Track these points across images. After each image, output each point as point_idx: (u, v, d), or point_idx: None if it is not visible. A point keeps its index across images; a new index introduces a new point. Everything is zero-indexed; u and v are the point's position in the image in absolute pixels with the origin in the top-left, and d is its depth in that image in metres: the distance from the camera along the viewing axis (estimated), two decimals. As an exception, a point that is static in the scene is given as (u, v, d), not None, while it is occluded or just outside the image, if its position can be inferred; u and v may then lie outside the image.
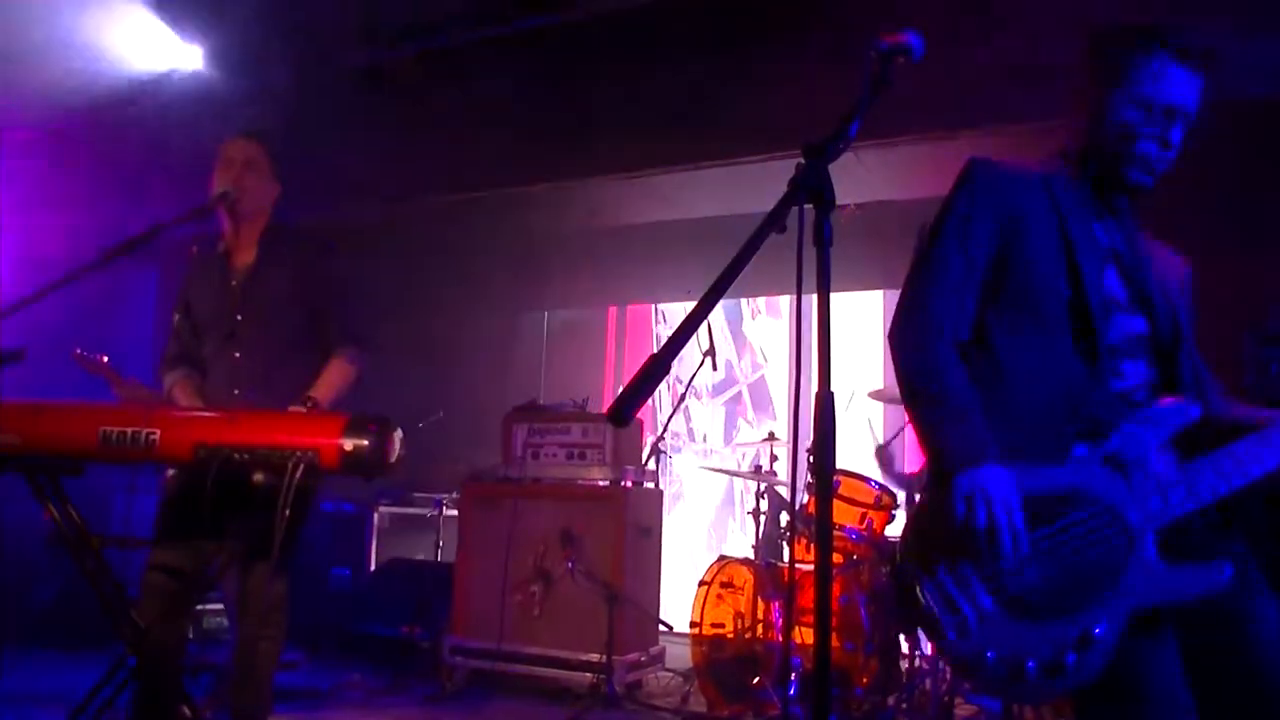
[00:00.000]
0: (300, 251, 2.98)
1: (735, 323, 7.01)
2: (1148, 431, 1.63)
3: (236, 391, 2.84)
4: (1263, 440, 1.61)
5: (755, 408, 6.83)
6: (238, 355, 2.86)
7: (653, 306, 7.42)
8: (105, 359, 3.41)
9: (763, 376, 6.87)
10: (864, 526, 4.12)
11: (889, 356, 1.84)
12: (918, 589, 1.64)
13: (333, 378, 2.86)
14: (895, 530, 4.16)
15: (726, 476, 6.45)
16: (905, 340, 1.76)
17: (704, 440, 6.99)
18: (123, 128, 5.67)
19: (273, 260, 2.94)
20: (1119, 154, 1.75)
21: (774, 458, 4.75)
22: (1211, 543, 1.63)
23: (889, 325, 1.77)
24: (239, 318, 2.88)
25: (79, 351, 3.44)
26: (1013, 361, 1.72)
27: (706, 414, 7.02)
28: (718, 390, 6.99)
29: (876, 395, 4.57)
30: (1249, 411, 1.77)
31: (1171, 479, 1.60)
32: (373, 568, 5.94)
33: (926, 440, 1.71)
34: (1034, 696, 1.56)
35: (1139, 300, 1.75)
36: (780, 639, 3.84)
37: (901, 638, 3.92)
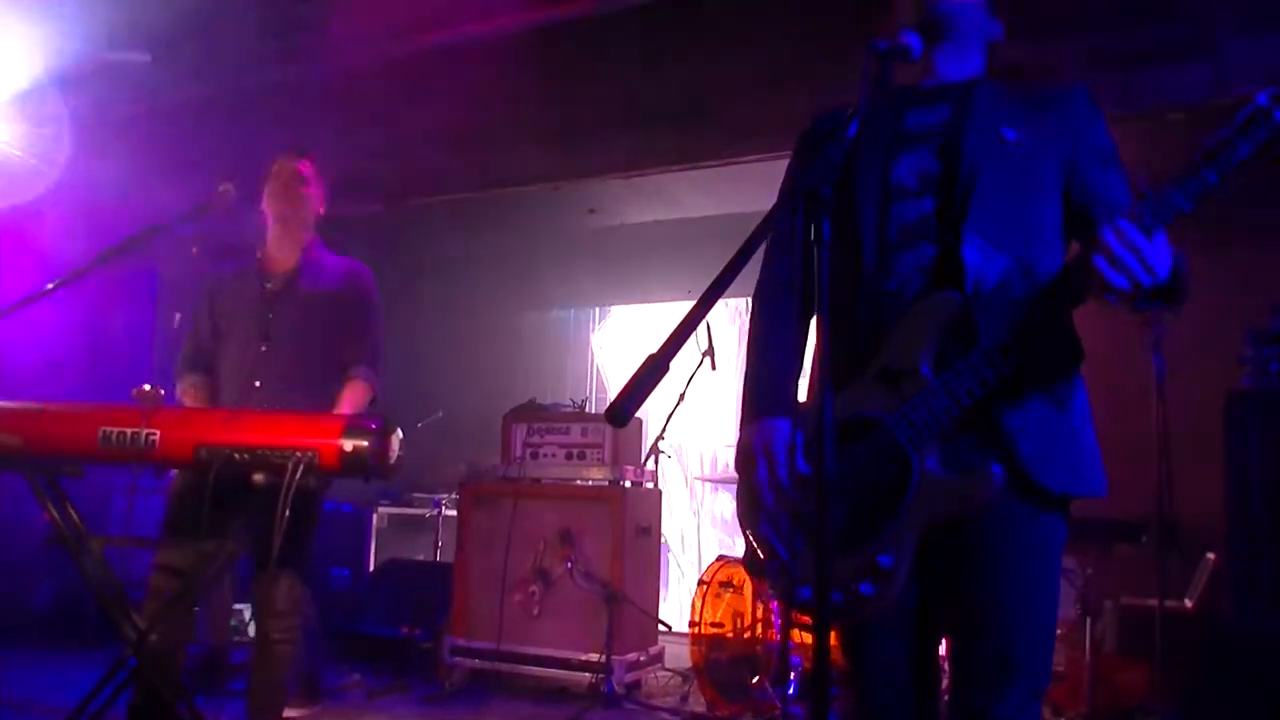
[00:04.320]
0: (341, 271, 3.13)
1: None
2: (913, 333, 1.52)
3: (258, 384, 2.94)
4: None
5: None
6: (264, 349, 2.97)
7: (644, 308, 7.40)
8: (161, 391, 3.37)
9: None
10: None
11: None
12: (749, 541, 1.66)
13: (352, 398, 2.98)
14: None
15: (727, 475, 6.45)
16: (754, 316, 1.79)
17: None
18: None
19: (312, 272, 3.08)
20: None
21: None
22: (981, 446, 1.50)
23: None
24: (270, 316, 3.00)
25: (142, 389, 3.40)
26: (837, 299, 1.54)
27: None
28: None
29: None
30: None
31: (934, 385, 1.49)
32: (372, 568, 5.94)
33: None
34: (853, 619, 1.54)
35: (940, 179, 1.59)
36: (780, 639, 3.84)
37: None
